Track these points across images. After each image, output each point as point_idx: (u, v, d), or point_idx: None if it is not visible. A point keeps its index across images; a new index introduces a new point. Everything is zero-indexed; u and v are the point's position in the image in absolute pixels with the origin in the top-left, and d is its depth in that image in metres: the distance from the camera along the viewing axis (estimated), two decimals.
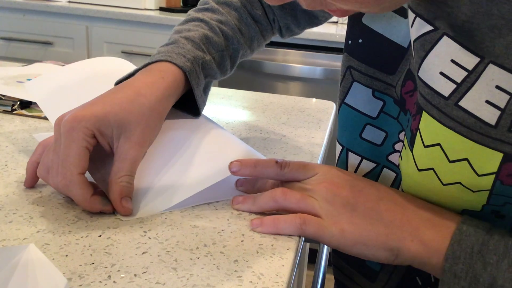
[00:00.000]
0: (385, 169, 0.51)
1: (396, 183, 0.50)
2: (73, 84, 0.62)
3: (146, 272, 0.37)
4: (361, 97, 0.51)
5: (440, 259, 0.40)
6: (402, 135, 0.48)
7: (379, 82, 0.49)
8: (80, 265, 0.37)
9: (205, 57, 0.56)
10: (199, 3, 0.65)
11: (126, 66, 0.66)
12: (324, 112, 0.87)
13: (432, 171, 0.42)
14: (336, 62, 1.76)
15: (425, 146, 0.41)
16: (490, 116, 0.37)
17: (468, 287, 0.38)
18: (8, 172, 0.51)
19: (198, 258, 0.39)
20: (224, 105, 0.87)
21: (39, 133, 0.64)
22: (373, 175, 0.52)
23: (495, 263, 0.37)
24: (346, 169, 0.54)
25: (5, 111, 0.71)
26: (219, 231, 0.44)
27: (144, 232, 0.43)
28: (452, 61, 0.38)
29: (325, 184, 0.45)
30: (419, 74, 0.41)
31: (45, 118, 0.69)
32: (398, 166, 0.49)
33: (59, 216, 0.44)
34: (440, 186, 0.42)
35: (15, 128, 0.65)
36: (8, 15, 2.02)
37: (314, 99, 0.95)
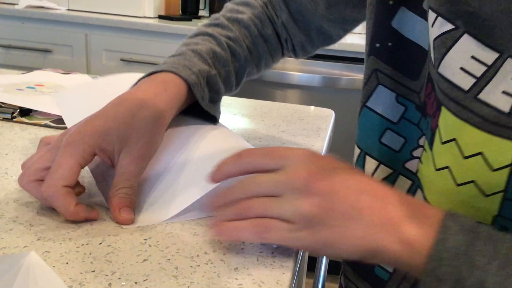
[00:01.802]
0: (400, 176, 0.51)
1: (411, 191, 0.50)
2: (97, 100, 0.62)
3: (146, 280, 0.37)
4: (384, 101, 0.51)
5: (422, 260, 0.36)
6: (422, 141, 0.48)
7: (403, 87, 0.50)
8: (81, 273, 0.37)
9: (210, 71, 0.56)
10: (210, 18, 0.65)
11: None
12: (323, 120, 0.87)
13: (447, 170, 0.42)
14: (335, 70, 1.77)
15: (442, 143, 0.42)
16: (505, 104, 0.38)
17: None
18: (8, 179, 0.51)
19: (199, 266, 0.39)
20: (223, 112, 0.87)
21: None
22: (388, 182, 0.51)
23: (482, 266, 0.34)
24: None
25: (4, 119, 0.71)
26: (220, 238, 0.44)
27: (145, 239, 0.43)
28: (473, 57, 0.39)
29: (297, 175, 0.39)
30: (439, 70, 0.42)
31: (45, 125, 0.69)
32: (414, 174, 0.49)
33: (59, 224, 0.44)
34: (453, 187, 0.41)
35: (15, 135, 0.65)
36: (7, 22, 2.02)
37: (312, 107, 0.96)
